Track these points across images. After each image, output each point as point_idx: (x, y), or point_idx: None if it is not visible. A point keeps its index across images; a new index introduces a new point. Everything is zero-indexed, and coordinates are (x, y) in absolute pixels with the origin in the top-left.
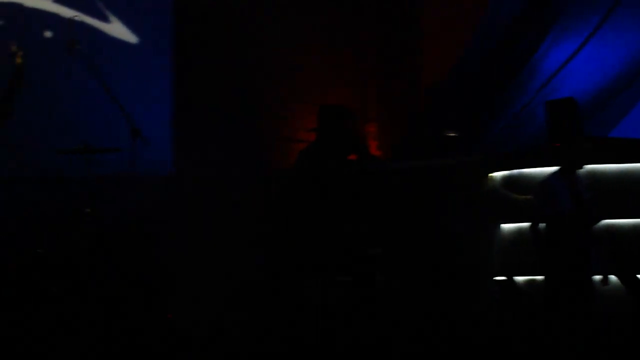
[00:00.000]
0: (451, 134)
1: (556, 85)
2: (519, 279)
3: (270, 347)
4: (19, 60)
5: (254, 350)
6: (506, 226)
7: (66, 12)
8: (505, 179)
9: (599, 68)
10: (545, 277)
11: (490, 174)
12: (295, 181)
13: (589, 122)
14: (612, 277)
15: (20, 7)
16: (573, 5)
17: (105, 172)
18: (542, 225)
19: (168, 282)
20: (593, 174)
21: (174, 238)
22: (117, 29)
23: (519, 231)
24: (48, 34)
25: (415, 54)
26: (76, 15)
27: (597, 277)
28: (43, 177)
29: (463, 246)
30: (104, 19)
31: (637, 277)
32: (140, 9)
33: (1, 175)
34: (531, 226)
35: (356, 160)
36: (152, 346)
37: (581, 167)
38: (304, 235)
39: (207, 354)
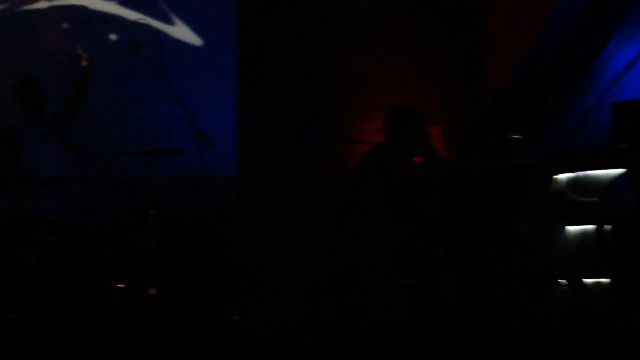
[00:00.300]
0: (515, 136)
1: (621, 87)
2: (585, 281)
3: (334, 348)
4: (84, 63)
5: (318, 350)
6: (571, 228)
7: (131, 14)
8: (571, 181)
9: None
10: (611, 280)
11: (555, 176)
12: (360, 182)
13: None
14: None
15: (84, 9)
16: (638, 5)
17: (169, 174)
18: (607, 227)
19: (234, 283)
20: None
21: (238, 239)
22: (181, 31)
23: (585, 233)
24: (113, 36)
25: (479, 55)
26: (140, 18)
27: None
28: (108, 179)
29: (528, 248)
30: (168, 21)
31: None
32: (204, 11)
33: (67, 176)
34: (597, 228)
35: (423, 162)
36: (220, 346)
37: None
38: (368, 236)
39: (273, 354)
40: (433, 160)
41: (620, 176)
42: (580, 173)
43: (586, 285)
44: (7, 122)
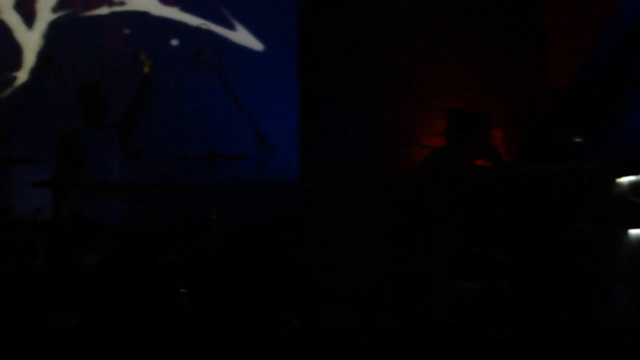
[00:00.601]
0: (577, 139)
1: None
2: None
3: (397, 353)
4: (147, 69)
5: (382, 356)
6: (635, 232)
7: (192, 20)
8: (633, 184)
9: None
10: None
11: (617, 179)
12: (422, 186)
13: None
14: None
15: (146, 15)
16: None
17: (232, 179)
18: None
19: (299, 287)
20: None
21: (301, 244)
22: (242, 36)
23: None
24: (174, 42)
25: (539, 56)
26: (202, 23)
27: None
28: (171, 184)
29: (590, 252)
30: (230, 26)
31: None
32: (266, 16)
33: (129, 182)
34: None
35: (485, 165)
36: (282, 351)
37: None
38: (431, 240)
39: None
40: (495, 163)
41: None
42: None
43: None
44: (69, 129)
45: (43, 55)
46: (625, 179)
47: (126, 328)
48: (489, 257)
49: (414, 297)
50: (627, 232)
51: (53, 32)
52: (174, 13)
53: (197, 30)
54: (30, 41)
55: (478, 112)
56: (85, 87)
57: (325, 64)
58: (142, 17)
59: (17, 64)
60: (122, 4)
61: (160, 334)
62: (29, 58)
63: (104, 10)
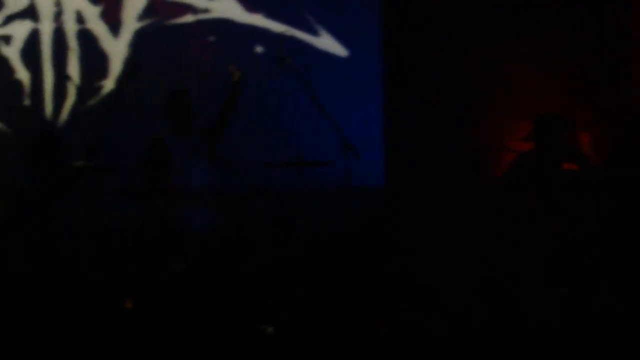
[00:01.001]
0: None
1: None
2: None
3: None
4: (236, 79)
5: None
6: None
7: (276, 26)
8: None
9: None
10: None
11: None
12: (511, 190)
13: None
14: None
15: (230, 23)
16: None
17: (317, 185)
18: None
19: (390, 292)
20: None
21: (387, 250)
22: (326, 42)
23: None
24: (258, 49)
25: (626, 58)
26: (286, 30)
27: None
28: (258, 191)
29: None
30: (314, 32)
31: None
32: (349, 21)
33: (217, 189)
34: None
35: (574, 169)
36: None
37: None
38: (521, 245)
39: None
40: (583, 167)
41: None
42: None
43: None
44: (158, 137)
45: (129, 64)
46: None
47: (214, 332)
48: (579, 262)
49: (506, 302)
50: None
51: (138, 40)
52: (258, 20)
53: (281, 36)
54: (116, 50)
55: (565, 116)
56: (173, 95)
57: (409, 68)
58: (226, 25)
59: (103, 73)
60: (206, 11)
61: (247, 337)
62: (115, 67)
63: (188, 18)
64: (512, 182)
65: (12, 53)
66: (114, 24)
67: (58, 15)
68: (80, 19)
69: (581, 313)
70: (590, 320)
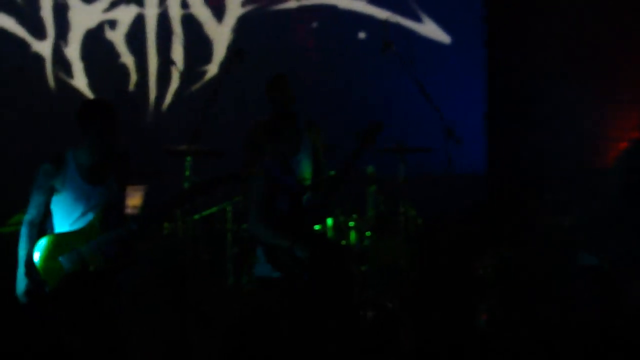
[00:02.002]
0: None
1: None
2: None
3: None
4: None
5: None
6: None
7: (380, 13)
8: None
9: None
10: None
11: None
12: (620, 179)
13: None
14: None
15: (334, 8)
16: None
17: (419, 172)
18: None
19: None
20: None
21: (487, 240)
22: (430, 28)
23: None
24: (362, 34)
25: None
26: (390, 16)
27: None
28: (359, 176)
29: None
30: (417, 19)
31: None
32: (453, 8)
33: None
34: None
35: None
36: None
37: None
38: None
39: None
40: None
41: None
42: None
43: None
44: (261, 120)
45: (233, 49)
46: None
47: None
48: None
49: (614, 290)
50: None
51: (242, 25)
52: (361, 6)
53: (385, 23)
54: (220, 35)
55: None
56: (273, 79)
57: (513, 55)
58: (329, 11)
59: (208, 58)
60: None
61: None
62: (219, 52)
63: (291, 4)
64: (624, 170)
65: (117, 38)
66: (217, 9)
67: (163, 1)
68: (184, 4)
69: None
70: None
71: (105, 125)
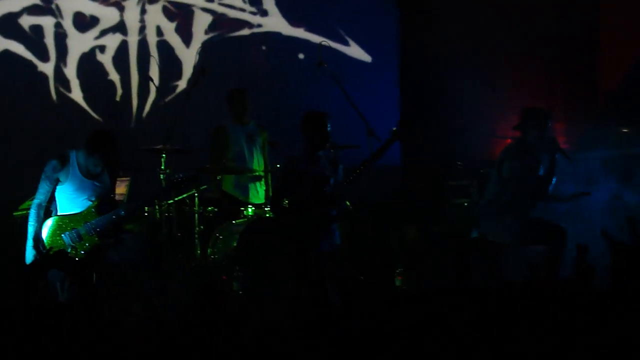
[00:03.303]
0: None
1: None
2: None
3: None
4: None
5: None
6: None
7: (315, 38)
8: None
9: None
10: None
11: None
12: (496, 171)
13: None
14: None
15: (280, 35)
16: None
17: (347, 164)
18: None
19: None
20: None
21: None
22: (354, 50)
23: None
24: (301, 55)
25: (596, 62)
26: (323, 41)
27: None
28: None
29: None
30: (345, 42)
31: None
32: (372, 34)
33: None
34: None
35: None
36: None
37: None
38: None
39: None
40: (553, 152)
41: None
42: None
43: None
44: (221, 126)
45: (198, 68)
46: None
47: None
48: None
49: (493, 257)
50: None
51: (206, 49)
52: (300, 33)
53: (319, 46)
54: (188, 57)
55: (542, 108)
56: (232, 92)
57: (422, 71)
58: (276, 36)
59: (178, 75)
60: (259, 26)
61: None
62: (187, 70)
63: (245, 32)
64: (499, 161)
65: (106, 60)
66: (186, 36)
67: (142, 30)
68: (159, 32)
69: None
70: None
71: (109, 152)
